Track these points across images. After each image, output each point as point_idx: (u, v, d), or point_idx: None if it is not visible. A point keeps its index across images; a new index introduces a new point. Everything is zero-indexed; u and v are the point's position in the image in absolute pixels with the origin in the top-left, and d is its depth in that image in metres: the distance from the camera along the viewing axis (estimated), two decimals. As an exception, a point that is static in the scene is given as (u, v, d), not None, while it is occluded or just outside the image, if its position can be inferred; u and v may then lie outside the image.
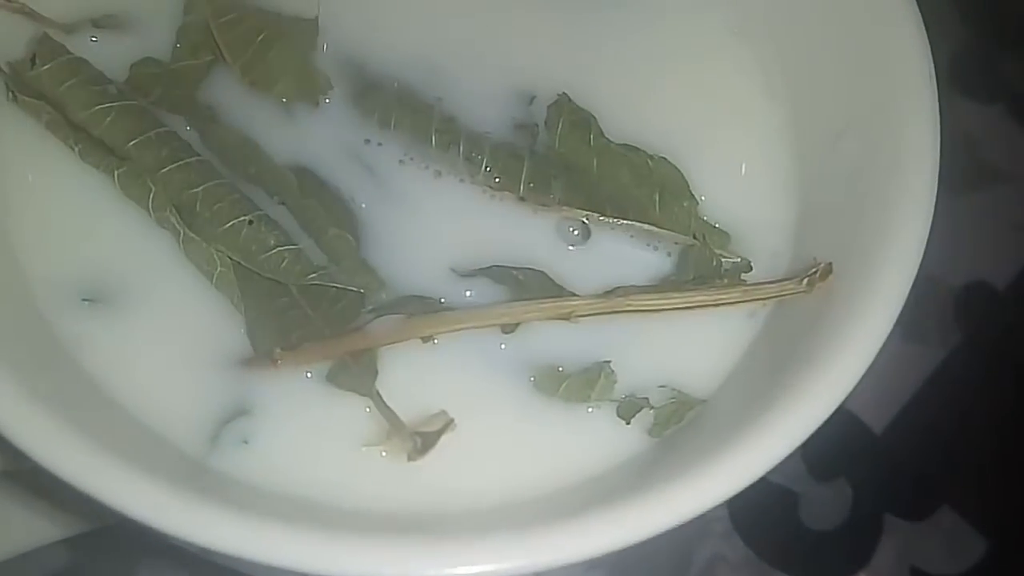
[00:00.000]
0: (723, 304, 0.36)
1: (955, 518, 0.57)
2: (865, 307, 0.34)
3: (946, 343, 0.58)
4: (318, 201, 0.38)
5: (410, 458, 0.33)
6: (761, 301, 0.37)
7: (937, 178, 0.36)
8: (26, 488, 0.38)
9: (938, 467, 0.58)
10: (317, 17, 0.40)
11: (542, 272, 0.38)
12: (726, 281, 0.37)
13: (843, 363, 0.33)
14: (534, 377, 0.37)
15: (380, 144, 0.40)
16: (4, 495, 0.38)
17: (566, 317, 0.36)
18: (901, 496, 0.58)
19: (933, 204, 0.36)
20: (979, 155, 0.63)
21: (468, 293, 0.38)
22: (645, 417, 0.36)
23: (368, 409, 0.35)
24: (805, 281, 0.36)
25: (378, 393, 0.35)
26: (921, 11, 0.39)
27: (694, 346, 0.37)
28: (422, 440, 0.33)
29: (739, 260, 0.39)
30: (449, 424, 0.34)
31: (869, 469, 0.56)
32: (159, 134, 0.37)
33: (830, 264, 0.36)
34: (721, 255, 0.39)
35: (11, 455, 0.32)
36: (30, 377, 0.31)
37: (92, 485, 0.30)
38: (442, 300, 0.37)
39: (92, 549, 0.47)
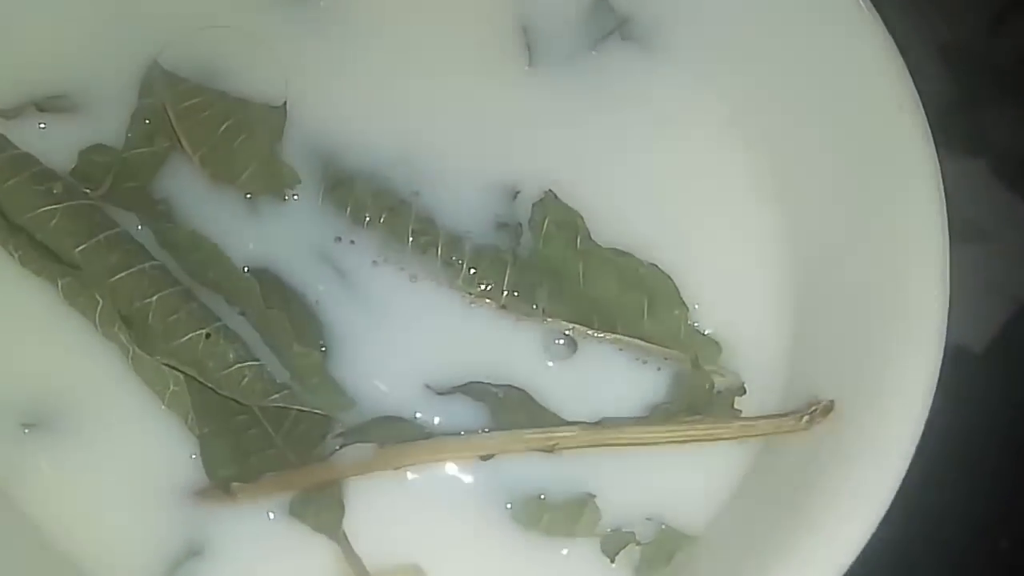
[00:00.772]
0: (716, 440, 0.34)
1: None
2: (872, 453, 0.32)
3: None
4: (282, 310, 0.35)
5: (380, 624, 0.31)
6: (758, 438, 0.34)
7: (948, 301, 0.34)
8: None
9: (918, 537, 0.56)
10: (285, 104, 0.37)
11: (523, 391, 0.36)
12: (719, 412, 0.35)
13: (854, 517, 0.31)
14: (511, 505, 0.34)
15: (352, 242, 0.37)
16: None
17: (550, 450, 0.34)
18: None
19: (944, 331, 0.34)
20: (958, 212, 0.62)
21: (436, 420, 0.35)
22: (631, 554, 0.34)
23: (336, 556, 0.32)
24: (805, 419, 0.33)
25: (345, 536, 0.32)
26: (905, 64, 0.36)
27: (682, 477, 0.35)
28: (394, 606, 0.30)
29: (732, 382, 0.36)
30: (423, 584, 0.31)
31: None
32: (109, 237, 0.34)
33: (831, 402, 0.33)
34: (713, 372, 0.36)
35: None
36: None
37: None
38: (417, 415, 0.35)
39: None
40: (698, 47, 0.40)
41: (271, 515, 0.33)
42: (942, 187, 0.35)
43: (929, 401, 0.32)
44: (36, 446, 0.32)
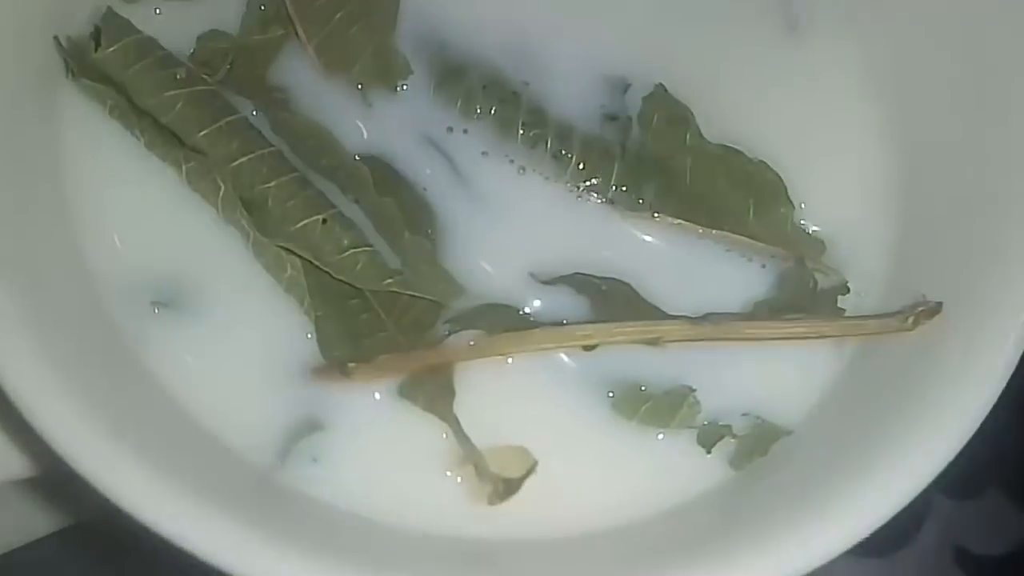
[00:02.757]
0: (821, 338, 0.34)
1: (1001, 500, 0.57)
2: (976, 357, 0.32)
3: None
4: (394, 199, 0.36)
5: (490, 502, 0.32)
6: (860, 337, 0.35)
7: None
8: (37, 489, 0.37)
9: (987, 448, 0.57)
10: (399, -9, 0.37)
11: (627, 284, 0.36)
12: (822, 311, 0.35)
13: (952, 419, 0.31)
14: (613, 393, 0.35)
15: (465, 131, 0.37)
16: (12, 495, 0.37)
17: (654, 342, 0.34)
18: (949, 476, 0.57)
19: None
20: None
21: (536, 303, 0.36)
22: (726, 446, 0.35)
23: (445, 435, 0.34)
24: (910, 320, 0.33)
25: (456, 420, 0.33)
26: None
27: (779, 374, 0.36)
28: (505, 485, 0.32)
29: (836, 281, 0.36)
30: (533, 467, 0.33)
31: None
32: (230, 123, 0.35)
33: (939, 304, 0.34)
34: (817, 270, 0.37)
35: (40, 460, 0.32)
36: (97, 390, 0.30)
37: (151, 517, 0.28)
38: (524, 311, 0.36)
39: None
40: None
41: (377, 395, 0.34)
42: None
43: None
44: (167, 324, 0.34)
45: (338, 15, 0.36)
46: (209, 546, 0.28)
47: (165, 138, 0.34)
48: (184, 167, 0.34)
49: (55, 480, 0.30)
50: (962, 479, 0.57)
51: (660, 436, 0.35)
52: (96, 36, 0.34)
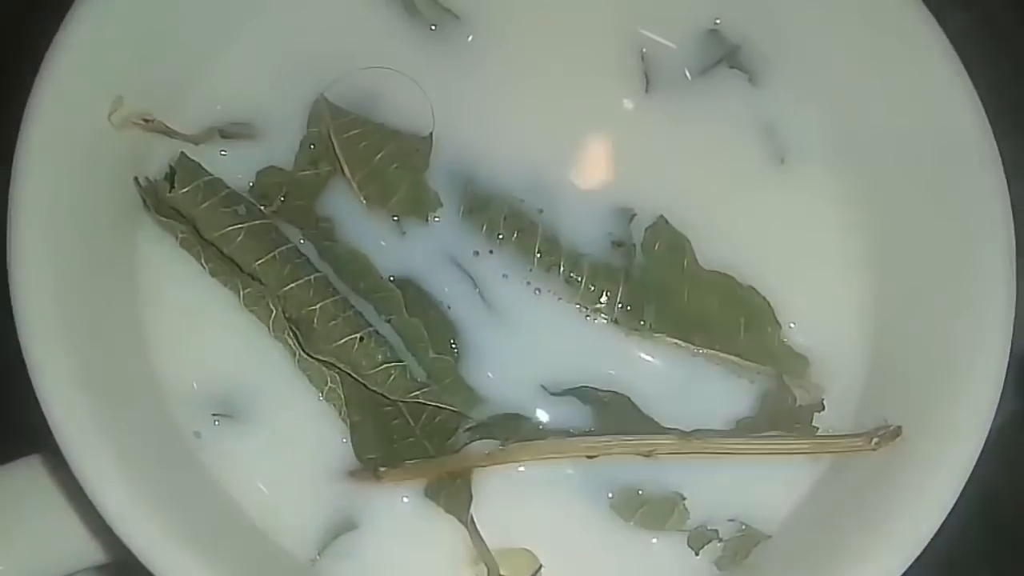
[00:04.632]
0: (795, 454, 0.39)
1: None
2: (932, 474, 0.36)
3: (1004, 411, 0.60)
4: (422, 319, 0.40)
5: (500, 600, 0.37)
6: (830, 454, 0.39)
7: (1008, 349, 0.38)
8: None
9: (985, 535, 0.60)
10: (431, 134, 0.42)
11: (626, 397, 0.41)
12: (799, 427, 0.40)
13: (909, 530, 0.36)
14: (612, 495, 0.40)
15: (491, 252, 0.42)
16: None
17: (647, 454, 0.39)
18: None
19: (1003, 376, 0.38)
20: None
21: (547, 412, 0.40)
22: (713, 549, 0.39)
23: (462, 536, 0.38)
24: (874, 441, 0.38)
25: (473, 521, 0.38)
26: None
27: (761, 483, 0.40)
28: (512, 586, 0.36)
29: (814, 398, 0.41)
30: (537, 571, 0.37)
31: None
32: (282, 252, 0.40)
33: (899, 428, 0.38)
34: (798, 385, 0.41)
35: (109, 549, 0.36)
36: (160, 488, 0.35)
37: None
38: (535, 419, 0.40)
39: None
40: (799, 80, 0.44)
41: (405, 499, 0.38)
42: (1014, 248, 0.38)
43: (983, 435, 0.37)
44: (223, 429, 0.39)
45: (378, 155, 0.41)
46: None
47: (227, 266, 0.39)
48: (242, 292, 0.39)
49: (127, 568, 0.35)
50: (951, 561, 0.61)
51: (654, 540, 0.40)
52: (170, 177, 0.39)
